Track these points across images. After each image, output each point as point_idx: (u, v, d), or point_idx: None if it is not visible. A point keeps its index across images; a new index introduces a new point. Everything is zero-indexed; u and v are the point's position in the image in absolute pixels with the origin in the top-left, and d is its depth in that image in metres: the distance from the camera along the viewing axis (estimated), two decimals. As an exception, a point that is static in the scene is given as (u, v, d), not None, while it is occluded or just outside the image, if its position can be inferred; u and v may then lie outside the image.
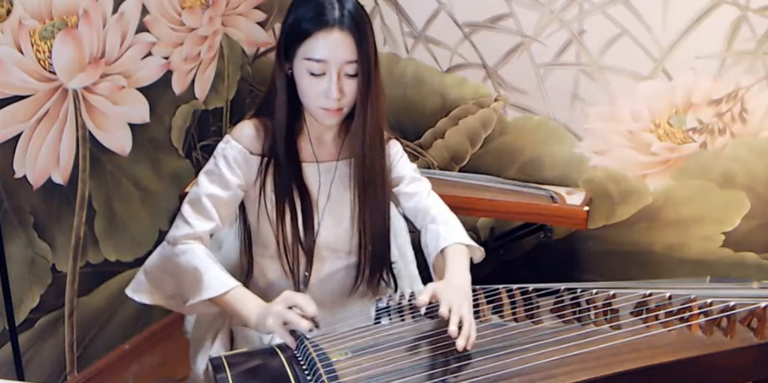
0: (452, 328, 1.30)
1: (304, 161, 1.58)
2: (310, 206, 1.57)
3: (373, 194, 1.60)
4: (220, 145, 1.55)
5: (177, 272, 1.51)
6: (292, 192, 1.55)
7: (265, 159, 1.54)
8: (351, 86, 1.47)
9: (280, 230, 1.56)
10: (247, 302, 1.45)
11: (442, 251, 1.56)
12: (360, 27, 1.44)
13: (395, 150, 1.68)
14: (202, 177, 1.55)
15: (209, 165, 1.55)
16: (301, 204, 1.56)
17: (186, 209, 1.53)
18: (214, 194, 1.52)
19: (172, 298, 1.55)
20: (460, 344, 1.28)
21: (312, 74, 1.44)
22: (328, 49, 1.42)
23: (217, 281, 1.45)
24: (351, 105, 1.50)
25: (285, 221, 1.56)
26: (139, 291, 1.57)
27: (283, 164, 1.54)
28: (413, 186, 1.67)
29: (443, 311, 1.34)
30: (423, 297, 1.37)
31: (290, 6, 1.50)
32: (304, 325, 1.33)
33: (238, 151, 1.53)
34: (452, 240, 1.56)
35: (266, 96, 1.58)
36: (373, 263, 1.65)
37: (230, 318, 1.63)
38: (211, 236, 1.57)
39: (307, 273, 1.62)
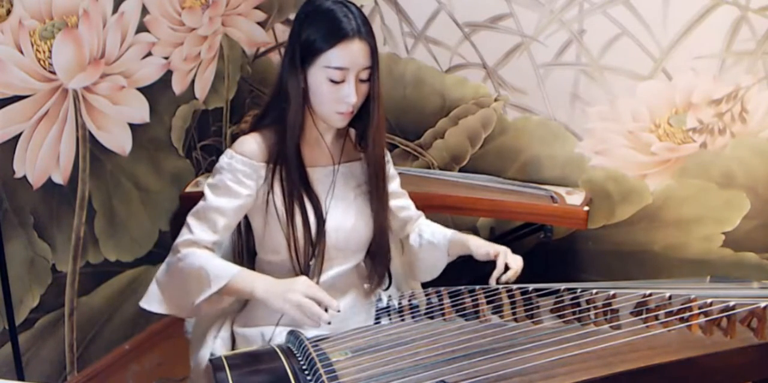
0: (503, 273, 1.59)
1: (308, 165, 1.61)
2: (320, 207, 1.60)
3: (380, 193, 1.65)
4: (224, 160, 1.58)
5: (182, 276, 1.53)
6: (300, 195, 1.58)
7: (271, 165, 1.57)
8: (364, 90, 1.54)
9: (292, 232, 1.59)
10: (252, 280, 1.48)
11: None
12: (372, 34, 1.52)
13: (387, 158, 1.72)
14: (207, 190, 1.57)
15: (213, 179, 1.58)
16: (312, 205, 1.59)
17: (190, 219, 1.56)
18: (220, 207, 1.55)
19: (181, 304, 1.56)
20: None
21: (332, 81, 1.50)
22: (350, 58, 1.49)
23: (222, 270, 1.49)
24: (359, 106, 1.56)
25: (296, 224, 1.58)
26: (152, 301, 1.59)
27: (291, 169, 1.57)
28: (401, 201, 1.80)
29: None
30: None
31: (299, 19, 1.54)
32: (325, 318, 1.38)
33: (243, 163, 1.56)
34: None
35: (266, 108, 1.61)
36: (379, 259, 1.69)
37: (232, 318, 1.65)
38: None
39: (317, 274, 1.64)
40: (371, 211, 1.65)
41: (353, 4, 1.53)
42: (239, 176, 1.55)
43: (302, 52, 1.52)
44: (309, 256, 1.60)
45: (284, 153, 1.56)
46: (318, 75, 1.51)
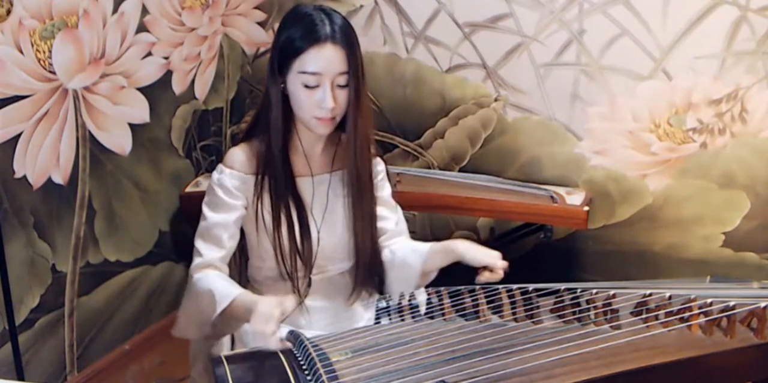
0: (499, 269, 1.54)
1: (299, 175, 1.63)
2: (306, 217, 1.62)
3: (364, 201, 1.65)
4: (215, 176, 1.60)
5: (197, 299, 1.57)
6: (288, 205, 1.60)
7: (260, 177, 1.59)
8: (343, 96, 1.53)
9: (278, 241, 1.61)
10: (252, 301, 1.47)
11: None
12: (349, 40, 1.51)
13: (380, 168, 1.73)
14: (205, 209, 1.60)
15: (209, 196, 1.61)
16: (297, 216, 1.61)
17: (197, 242, 1.60)
18: (220, 223, 1.58)
19: (204, 326, 1.58)
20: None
21: (307, 87, 1.51)
22: (322, 62, 1.49)
23: (225, 291, 1.51)
24: (342, 114, 1.56)
25: (282, 233, 1.61)
26: (180, 327, 1.63)
27: (278, 179, 1.59)
28: (384, 210, 1.73)
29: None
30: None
31: (280, 25, 1.55)
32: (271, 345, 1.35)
33: (232, 176, 1.59)
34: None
35: (255, 118, 1.63)
36: (368, 267, 1.69)
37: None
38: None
39: (307, 280, 1.66)
40: (358, 219, 1.65)
41: (337, 13, 1.53)
42: (231, 190, 1.58)
43: (280, 57, 1.53)
44: (295, 264, 1.62)
45: (271, 163, 1.57)
46: (294, 81, 1.51)
